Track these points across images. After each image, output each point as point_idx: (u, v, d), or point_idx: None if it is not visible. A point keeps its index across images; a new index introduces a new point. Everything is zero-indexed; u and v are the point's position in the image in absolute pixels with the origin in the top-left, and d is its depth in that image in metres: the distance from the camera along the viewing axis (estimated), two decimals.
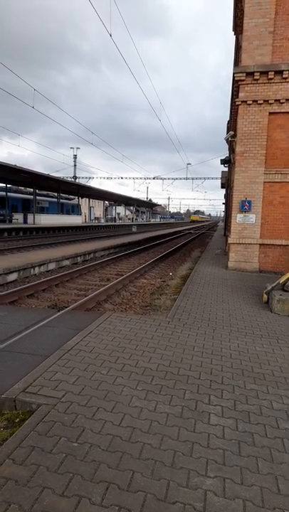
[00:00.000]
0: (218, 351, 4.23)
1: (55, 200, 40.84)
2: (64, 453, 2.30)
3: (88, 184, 40.12)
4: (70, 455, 2.28)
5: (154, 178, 48.57)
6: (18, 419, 2.80)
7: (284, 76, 9.92)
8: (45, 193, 46.08)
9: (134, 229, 40.76)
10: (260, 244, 10.80)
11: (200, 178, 48.46)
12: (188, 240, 28.36)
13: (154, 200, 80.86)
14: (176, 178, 47.87)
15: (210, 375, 3.56)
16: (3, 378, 3.29)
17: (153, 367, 3.67)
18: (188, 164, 49.83)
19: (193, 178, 47.00)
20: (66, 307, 6.64)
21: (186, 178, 46.80)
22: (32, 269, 10.68)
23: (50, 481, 2.05)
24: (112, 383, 3.28)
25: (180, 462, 2.28)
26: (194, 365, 3.77)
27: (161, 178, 48.88)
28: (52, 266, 11.95)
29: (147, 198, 73.85)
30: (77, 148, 50.16)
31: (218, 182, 35.41)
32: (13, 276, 9.68)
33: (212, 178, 46.67)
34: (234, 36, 14.52)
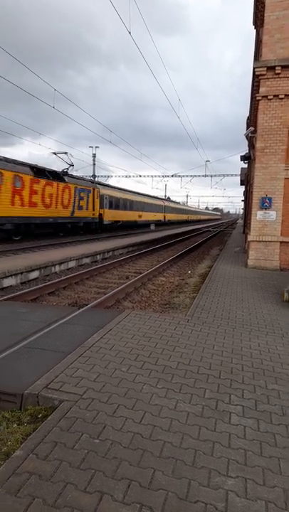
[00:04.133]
0: (238, 350, 4.19)
1: None
2: (86, 449, 2.33)
3: (107, 183, 40.28)
4: (92, 451, 2.31)
5: (172, 176, 48.27)
6: (40, 415, 2.86)
7: None
8: None
9: (152, 227, 40.72)
10: (281, 242, 10.61)
11: (219, 175, 47.81)
12: (207, 237, 28.15)
13: (173, 198, 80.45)
14: (195, 176, 47.48)
15: (230, 374, 3.53)
16: (26, 374, 3.36)
17: (173, 365, 3.67)
18: (207, 161, 49.40)
19: (211, 176, 46.47)
20: (86, 305, 6.71)
21: (205, 176, 46.32)
22: (53, 267, 10.85)
23: (72, 477, 2.09)
24: (132, 381, 3.30)
25: (201, 461, 2.28)
26: (214, 364, 3.75)
27: (179, 176, 48.53)
28: (72, 264, 12.09)
29: (165, 196, 73.56)
30: (96, 147, 50.53)
31: (237, 179, 34.85)
32: (34, 274, 9.86)
33: (231, 175, 46.02)
34: (254, 30, 14.26)
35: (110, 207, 29.35)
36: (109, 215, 29.12)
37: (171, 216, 52.26)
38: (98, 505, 1.90)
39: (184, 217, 65.86)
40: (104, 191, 28.56)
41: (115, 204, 30.49)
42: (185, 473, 2.16)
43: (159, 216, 45.15)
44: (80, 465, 2.19)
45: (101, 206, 27.63)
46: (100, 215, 27.44)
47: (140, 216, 37.65)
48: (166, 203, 50.01)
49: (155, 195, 50.98)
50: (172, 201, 61.22)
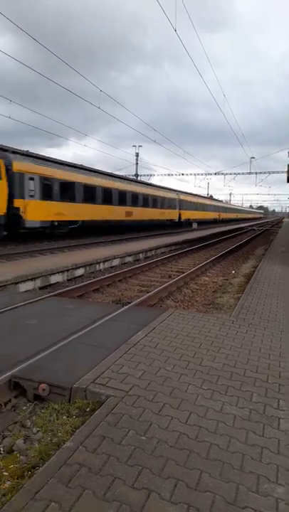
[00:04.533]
0: (286, 354, 4.04)
1: None
2: (133, 445, 2.37)
3: (150, 182, 40.46)
4: (139, 448, 2.35)
5: (215, 174, 47.54)
6: (88, 409, 2.94)
7: None
8: None
9: (194, 226, 40.34)
10: None
11: (264, 173, 46.32)
12: (251, 237, 27.41)
13: (215, 196, 79.19)
14: (239, 173, 46.40)
15: (278, 379, 3.42)
16: (74, 369, 3.48)
17: (218, 367, 3.62)
18: (251, 158, 47.95)
19: (256, 173, 45.15)
20: (130, 302, 6.79)
21: (249, 173, 45.04)
22: (97, 265, 11.10)
23: (120, 472, 2.13)
24: (177, 380, 3.30)
25: (249, 466, 2.23)
26: (261, 368, 3.65)
27: (222, 174, 47.64)
28: (116, 262, 12.30)
29: (208, 194, 72.56)
30: (140, 146, 50.84)
31: (284, 176, 33.54)
32: (80, 271, 10.15)
33: (277, 172, 44.43)
34: None
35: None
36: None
37: (188, 214, 38.62)
38: (146, 502, 1.92)
39: (211, 215, 51.16)
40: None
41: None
42: (233, 477, 2.13)
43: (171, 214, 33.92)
44: (128, 461, 2.23)
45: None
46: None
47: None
48: (182, 197, 37.58)
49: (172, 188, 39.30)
50: (193, 194, 46.32)
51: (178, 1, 11.43)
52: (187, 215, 38.31)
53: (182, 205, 36.59)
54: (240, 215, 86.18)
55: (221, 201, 70.51)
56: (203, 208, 46.03)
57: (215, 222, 53.82)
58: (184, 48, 13.43)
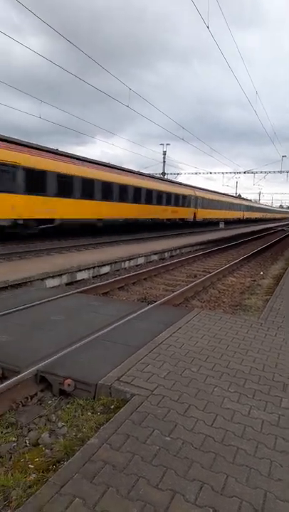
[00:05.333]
0: None
1: None
2: (157, 445, 2.34)
3: (176, 180, 40.24)
4: (163, 448, 2.32)
5: (244, 173, 46.70)
6: (113, 406, 2.94)
7: None
8: None
9: (221, 225, 39.80)
10: None
11: None
12: (281, 237, 26.73)
13: (244, 196, 77.88)
14: (269, 172, 45.33)
15: None
16: (99, 365, 3.49)
17: (245, 370, 3.53)
18: (283, 156, 46.67)
19: (288, 171, 44.03)
20: (155, 301, 6.76)
21: (281, 172, 43.99)
22: (122, 263, 11.15)
23: (144, 471, 2.11)
24: (202, 382, 3.24)
25: (277, 473, 2.16)
26: None
27: (252, 172, 46.72)
28: (141, 260, 12.31)
29: (236, 193, 71.44)
30: (167, 144, 50.55)
31: None
32: (105, 269, 10.22)
33: None
34: None
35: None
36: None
37: (205, 213, 34.76)
38: (170, 503, 1.89)
39: (233, 214, 46.69)
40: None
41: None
42: (260, 484, 2.06)
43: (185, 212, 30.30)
44: (152, 460, 2.20)
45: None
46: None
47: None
48: (199, 193, 33.71)
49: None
50: (212, 191, 41.64)
51: None
52: (204, 214, 34.81)
53: (198, 202, 33.25)
54: (268, 215, 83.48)
55: (248, 200, 69.11)
56: (224, 206, 42.34)
57: (239, 221, 52.13)
58: (217, 44, 13.24)
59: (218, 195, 42.40)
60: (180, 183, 33.52)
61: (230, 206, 46.02)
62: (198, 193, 33.75)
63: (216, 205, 38.69)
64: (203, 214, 34.47)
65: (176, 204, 28.51)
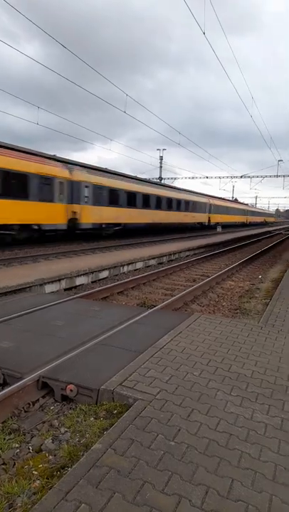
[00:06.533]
0: None
1: None
2: (162, 450, 2.34)
3: (173, 185, 40.38)
4: (168, 453, 2.31)
5: (241, 177, 46.84)
6: (115, 411, 2.93)
7: None
8: None
9: (218, 229, 39.91)
10: None
11: None
12: (279, 240, 26.83)
13: (241, 200, 78.08)
14: (266, 176, 45.49)
15: None
16: (101, 370, 3.49)
17: (247, 373, 3.54)
18: (279, 161, 46.93)
19: (284, 176, 44.21)
20: (154, 306, 6.77)
21: (277, 176, 44.18)
22: (121, 268, 11.15)
23: (150, 476, 2.10)
24: (205, 386, 3.24)
25: (282, 477, 2.16)
26: None
27: (248, 177, 46.86)
28: (139, 265, 12.32)
29: (233, 198, 71.60)
30: (164, 149, 50.68)
31: None
32: (104, 274, 10.22)
33: None
34: None
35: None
36: None
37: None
38: (176, 508, 1.89)
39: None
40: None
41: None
42: (265, 488, 2.06)
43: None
44: (157, 465, 2.20)
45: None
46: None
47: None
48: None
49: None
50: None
51: (207, 4, 11.39)
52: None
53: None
54: (267, 219, 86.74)
55: (247, 205, 70.95)
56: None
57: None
58: (213, 50, 13.34)
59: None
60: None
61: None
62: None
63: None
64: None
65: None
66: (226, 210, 46.36)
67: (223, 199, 49.87)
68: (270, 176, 45.29)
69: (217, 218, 41.56)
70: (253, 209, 72.51)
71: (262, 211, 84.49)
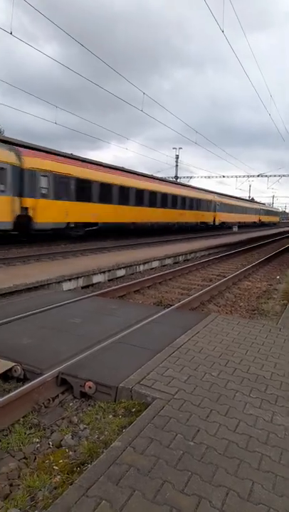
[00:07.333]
0: None
1: None
2: (181, 450, 2.34)
3: (189, 183, 40.22)
4: (187, 453, 2.31)
5: (258, 176, 46.39)
6: (134, 409, 2.94)
7: None
8: None
9: (234, 229, 39.52)
10: None
11: None
12: None
13: (257, 199, 77.14)
14: (284, 175, 44.92)
15: None
16: (119, 368, 3.50)
17: (266, 375, 3.50)
18: None
19: None
20: (171, 305, 6.76)
21: None
22: (137, 267, 11.17)
23: (169, 476, 2.10)
24: (223, 387, 3.22)
25: None
26: None
27: (266, 176, 46.41)
28: (155, 264, 12.32)
29: (249, 197, 70.81)
30: (180, 148, 50.49)
31: None
32: (121, 272, 10.26)
33: None
34: None
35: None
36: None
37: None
38: (196, 508, 1.88)
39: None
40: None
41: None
42: (287, 492, 2.03)
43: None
44: (177, 465, 2.20)
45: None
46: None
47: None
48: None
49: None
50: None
51: (226, 2, 11.28)
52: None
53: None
54: (262, 218, 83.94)
55: (263, 204, 69.05)
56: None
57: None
58: (231, 48, 13.22)
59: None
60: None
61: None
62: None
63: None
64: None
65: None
66: (233, 209, 42.20)
67: (232, 197, 46.24)
68: (288, 175, 44.62)
69: (224, 217, 38.09)
70: (267, 208, 69.64)
71: (274, 210, 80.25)
